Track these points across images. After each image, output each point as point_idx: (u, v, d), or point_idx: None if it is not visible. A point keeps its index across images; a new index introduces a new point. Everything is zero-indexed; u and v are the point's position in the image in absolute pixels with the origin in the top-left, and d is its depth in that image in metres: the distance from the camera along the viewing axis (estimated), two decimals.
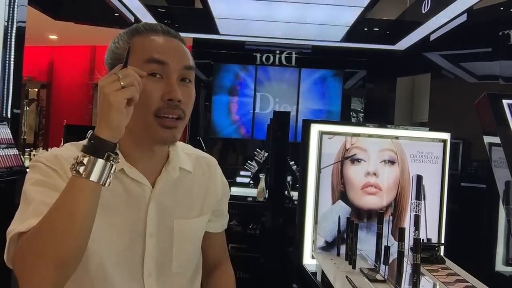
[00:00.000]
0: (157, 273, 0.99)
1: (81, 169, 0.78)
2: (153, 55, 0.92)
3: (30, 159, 4.82)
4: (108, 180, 0.81)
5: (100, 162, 0.78)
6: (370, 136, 1.67)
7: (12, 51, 2.87)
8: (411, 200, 1.65)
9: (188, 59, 0.97)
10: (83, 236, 0.80)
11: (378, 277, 1.30)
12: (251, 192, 3.88)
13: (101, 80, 0.80)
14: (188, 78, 0.96)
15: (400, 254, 1.29)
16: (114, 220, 0.95)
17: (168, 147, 1.03)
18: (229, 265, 1.23)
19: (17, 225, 0.83)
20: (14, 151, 2.75)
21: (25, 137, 7.36)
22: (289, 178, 3.84)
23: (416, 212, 1.62)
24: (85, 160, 0.78)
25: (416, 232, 1.60)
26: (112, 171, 0.81)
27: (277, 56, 6.42)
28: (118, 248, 0.95)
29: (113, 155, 0.80)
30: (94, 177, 0.78)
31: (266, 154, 4.17)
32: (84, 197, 0.78)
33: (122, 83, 0.78)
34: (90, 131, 0.81)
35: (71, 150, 0.96)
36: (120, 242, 0.95)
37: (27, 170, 2.96)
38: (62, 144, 5.28)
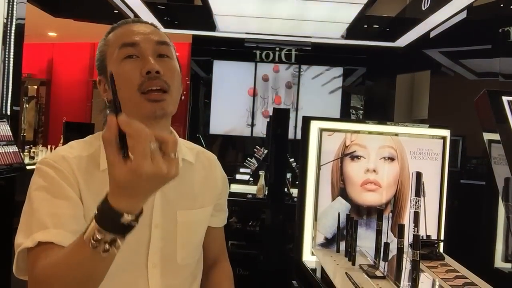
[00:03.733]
0: (161, 265, 0.99)
1: (105, 247, 0.70)
2: (124, 40, 0.96)
3: (30, 157, 4.83)
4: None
5: (122, 239, 0.72)
6: (370, 133, 1.67)
7: (12, 48, 2.86)
8: (411, 197, 1.65)
9: (159, 35, 0.99)
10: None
11: (378, 273, 1.31)
12: (251, 189, 3.88)
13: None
14: (165, 53, 0.98)
15: (400, 250, 1.30)
16: None
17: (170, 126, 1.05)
18: (227, 262, 1.23)
19: (23, 238, 0.84)
20: (14, 148, 2.75)
21: (24, 134, 7.36)
22: (288, 175, 3.85)
23: (415, 208, 1.63)
24: (111, 240, 0.70)
25: (416, 228, 1.61)
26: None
27: (277, 53, 6.42)
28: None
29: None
30: (116, 251, 0.72)
31: (265, 151, 4.17)
32: (105, 265, 0.75)
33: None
34: (111, 206, 0.69)
35: (76, 149, 0.97)
36: None
37: (27, 167, 2.97)
38: (61, 141, 5.28)
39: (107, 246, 0.70)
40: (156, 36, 0.98)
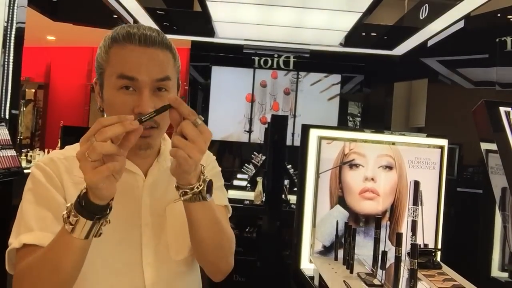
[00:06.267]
0: (156, 263, 1.00)
1: (69, 227, 0.78)
2: (123, 71, 0.92)
3: (27, 160, 4.82)
4: (99, 232, 0.81)
5: (89, 223, 0.79)
6: (368, 141, 1.68)
7: (11, 52, 2.87)
8: (409, 205, 1.66)
9: (162, 71, 0.94)
10: (70, 283, 0.85)
11: (375, 281, 1.31)
12: (248, 195, 3.88)
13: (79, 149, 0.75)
14: (163, 87, 0.94)
15: (397, 259, 1.30)
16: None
17: (160, 142, 1.06)
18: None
19: (13, 239, 0.92)
20: (12, 152, 2.75)
21: (21, 137, 7.34)
22: (286, 182, 3.85)
23: (413, 217, 1.64)
24: (73, 220, 0.78)
25: (413, 237, 1.61)
26: (102, 225, 0.81)
27: (275, 59, 6.44)
28: (115, 239, 0.97)
29: (104, 214, 0.80)
30: (82, 235, 0.79)
31: (263, 158, 4.18)
32: (70, 253, 0.81)
33: (91, 158, 0.74)
34: (84, 190, 0.78)
35: (68, 151, 1.02)
36: (117, 234, 0.97)
37: (24, 171, 2.96)
38: (59, 145, 5.26)
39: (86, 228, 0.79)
40: (159, 71, 0.93)
